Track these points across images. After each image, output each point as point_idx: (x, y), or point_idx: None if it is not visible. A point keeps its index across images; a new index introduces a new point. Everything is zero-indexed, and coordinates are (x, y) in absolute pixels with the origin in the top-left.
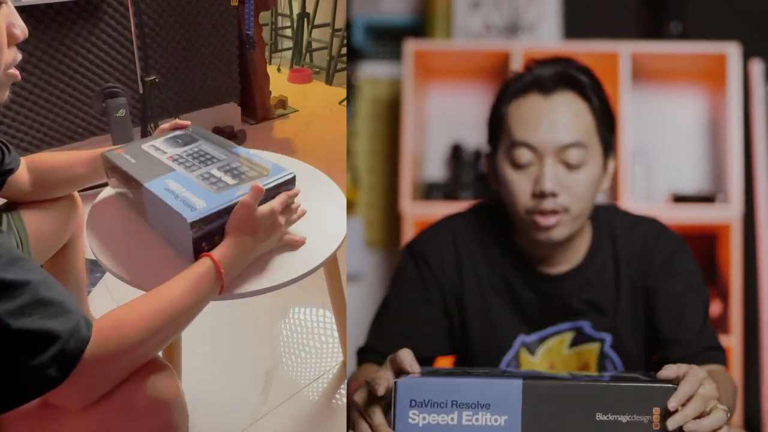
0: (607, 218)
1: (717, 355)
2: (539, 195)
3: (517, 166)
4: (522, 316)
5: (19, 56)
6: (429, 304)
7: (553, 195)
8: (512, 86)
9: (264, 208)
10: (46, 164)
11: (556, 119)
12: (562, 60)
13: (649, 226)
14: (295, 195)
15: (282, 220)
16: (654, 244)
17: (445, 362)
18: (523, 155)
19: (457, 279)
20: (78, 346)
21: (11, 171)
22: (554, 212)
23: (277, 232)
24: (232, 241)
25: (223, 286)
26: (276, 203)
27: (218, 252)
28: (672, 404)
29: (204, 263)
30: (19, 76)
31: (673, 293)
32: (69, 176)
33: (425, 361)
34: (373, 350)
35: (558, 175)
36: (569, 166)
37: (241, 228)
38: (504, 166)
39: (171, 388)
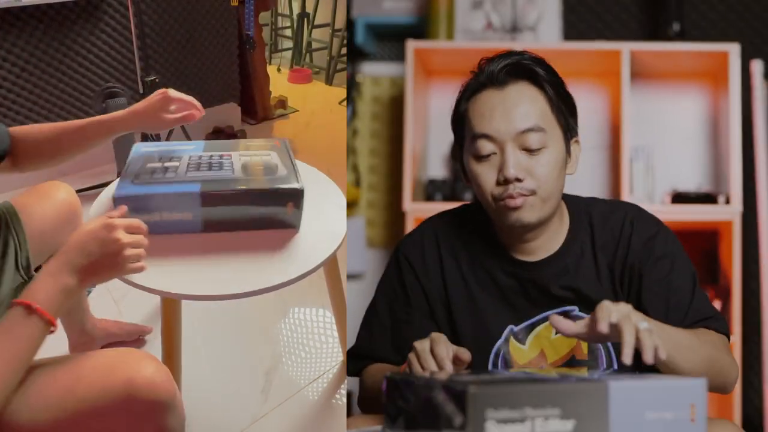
0: (584, 207)
1: (710, 323)
2: (503, 182)
3: (480, 157)
4: (509, 306)
5: None
6: (413, 309)
7: (518, 180)
8: (469, 85)
9: (96, 221)
10: (32, 136)
11: (511, 108)
12: (514, 53)
13: (626, 211)
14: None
15: (122, 240)
16: (630, 228)
17: None
18: (485, 146)
19: (441, 280)
20: None
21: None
22: (521, 195)
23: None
24: (53, 262)
25: (52, 319)
26: (117, 218)
27: (29, 291)
28: (626, 361)
29: (13, 312)
30: None
31: (656, 278)
32: (55, 148)
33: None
34: (367, 357)
35: (520, 161)
36: (530, 151)
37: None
38: (469, 160)
39: (168, 390)
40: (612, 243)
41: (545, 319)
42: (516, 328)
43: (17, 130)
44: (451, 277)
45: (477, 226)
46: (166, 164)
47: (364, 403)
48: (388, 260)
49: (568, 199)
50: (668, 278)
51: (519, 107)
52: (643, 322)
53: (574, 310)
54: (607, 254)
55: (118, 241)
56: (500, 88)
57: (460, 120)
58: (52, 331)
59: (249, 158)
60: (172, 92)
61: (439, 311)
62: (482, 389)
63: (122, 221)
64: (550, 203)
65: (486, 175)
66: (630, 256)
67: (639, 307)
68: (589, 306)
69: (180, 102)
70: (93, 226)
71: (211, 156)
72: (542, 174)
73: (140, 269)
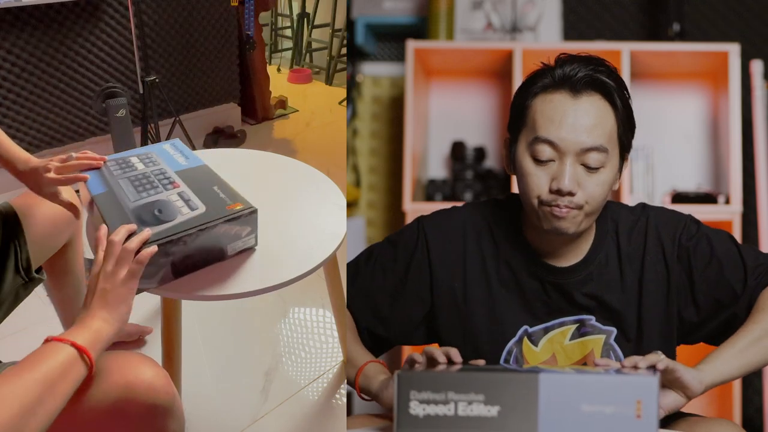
0: (610, 214)
1: None
2: (556, 191)
3: (538, 161)
4: (527, 307)
5: None
6: (405, 288)
7: (570, 194)
8: (540, 80)
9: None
10: None
11: (582, 121)
12: (593, 60)
13: (648, 219)
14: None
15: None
16: (657, 235)
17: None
18: (545, 151)
19: (462, 271)
20: None
21: None
22: (568, 208)
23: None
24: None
25: (92, 367)
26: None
27: (83, 332)
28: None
29: (63, 351)
30: None
31: (702, 262)
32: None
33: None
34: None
35: (576, 175)
36: (588, 168)
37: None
38: (524, 158)
39: (167, 394)
40: (638, 252)
41: (561, 324)
42: (531, 329)
43: None
44: (472, 269)
45: (507, 224)
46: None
47: None
48: (406, 228)
49: None
50: (713, 255)
51: (589, 122)
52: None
53: (591, 319)
54: (634, 266)
55: (116, 276)
56: (575, 96)
57: (522, 111)
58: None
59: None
60: (53, 163)
61: (442, 300)
62: (408, 373)
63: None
64: (592, 218)
65: (539, 178)
66: (668, 259)
67: (697, 299)
68: (607, 315)
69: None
70: (95, 278)
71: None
72: (594, 192)
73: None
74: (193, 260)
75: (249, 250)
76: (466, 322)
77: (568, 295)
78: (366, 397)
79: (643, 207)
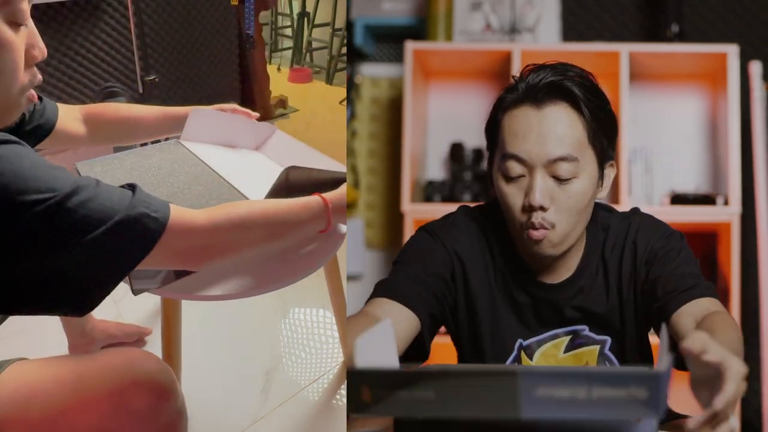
0: (600, 223)
1: (707, 288)
2: (528, 208)
3: (509, 178)
4: (519, 318)
5: (39, 78)
6: (434, 264)
7: (542, 209)
8: (508, 96)
9: None
10: (108, 116)
11: (546, 132)
12: (558, 67)
13: (630, 224)
14: None
15: None
16: (633, 243)
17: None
18: (514, 168)
19: (469, 265)
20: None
21: (45, 126)
22: (543, 227)
23: None
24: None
25: (329, 223)
26: None
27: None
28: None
29: (313, 198)
30: (36, 98)
31: (666, 267)
32: (130, 131)
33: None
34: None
35: (547, 188)
36: (559, 180)
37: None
38: (497, 177)
39: (170, 390)
40: (617, 258)
41: (554, 336)
42: (525, 343)
43: (91, 108)
44: (474, 280)
45: (501, 235)
46: None
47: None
48: (417, 237)
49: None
50: (677, 261)
51: (554, 132)
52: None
53: (585, 329)
54: (613, 270)
55: None
56: (538, 108)
57: (494, 130)
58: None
59: None
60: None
61: (459, 289)
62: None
63: None
64: (570, 238)
65: (513, 197)
66: (638, 267)
67: (653, 302)
68: (598, 324)
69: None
70: None
71: None
72: (567, 206)
73: None
74: None
75: None
76: (473, 321)
77: (558, 310)
78: None
79: (632, 213)
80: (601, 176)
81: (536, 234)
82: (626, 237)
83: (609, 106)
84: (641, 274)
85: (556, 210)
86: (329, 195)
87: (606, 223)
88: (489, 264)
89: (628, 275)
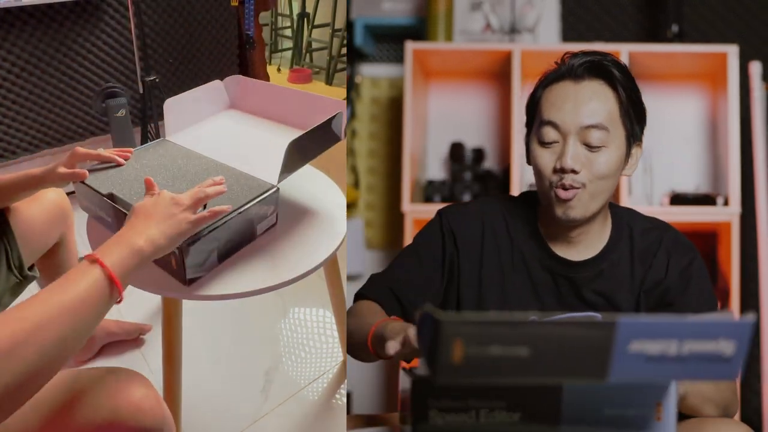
0: (626, 218)
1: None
2: (560, 170)
3: (544, 143)
4: (536, 298)
5: None
6: (431, 260)
7: (573, 171)
8: (549, 75)
9: (165, 194)
10: None
11: (581, 102)
12: (598, 53)
13: (663, 234)
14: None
15: (184, 215)
16: (667, 255)
17: None
18: (549, 134)
19: (478, 255)
20: None
21: None
22: (573, 187)
23: (171, 219)
24: (125, 230)
25: (113, 276)
26: (186, 197)
27: (110, 254)
28: None
29: (92, 273)
30: None
31: (685, 311)
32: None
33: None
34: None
35: (578, 154)
36: (590, 147)
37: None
38: (533, 143)
39: (155, 416)
40: (647, 261)
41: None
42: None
43: None
44: (488, 256)
45: (522, 216)
46: None
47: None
48: (430, 223)
49: (611, 205)
50: (698, 288)
51: (589, 103)
52: None
53: (597, 317)
54: (641, 270)
55: (180, 203)
56: (576, 82)
57: (534, 105)
58: (118, 301)
59: None
60: (80, 150)
61: (465, 279)
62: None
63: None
64: (598, 200)
65: (545, 159)
66: (665, 283)
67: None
68: (612, 310)
69: (96, 157)
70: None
71: None
72: (597, 170)
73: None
74: (232, 244)
75: (271, 229)
76: (480, 307)
77: (578, 290)
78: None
79: (660, 223)
80: (628, 154)
81: (566, 194)
82: (659, 248)
83: (640, 94)
84: (660, 289)
85: (587, 172)
86: (119, 253)
87: (630, 219)
88: (504, 246)
89: (652, 284)
